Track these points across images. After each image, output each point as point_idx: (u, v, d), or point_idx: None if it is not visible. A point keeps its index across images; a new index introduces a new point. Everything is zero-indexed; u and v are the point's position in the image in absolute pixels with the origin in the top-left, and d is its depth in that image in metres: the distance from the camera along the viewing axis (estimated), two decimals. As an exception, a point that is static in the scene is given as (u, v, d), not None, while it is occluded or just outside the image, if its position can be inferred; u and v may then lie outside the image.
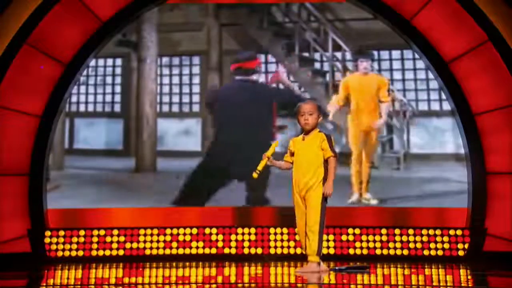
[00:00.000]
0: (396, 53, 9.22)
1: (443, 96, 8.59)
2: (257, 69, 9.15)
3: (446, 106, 8.61)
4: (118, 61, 9.28)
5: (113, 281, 6.04)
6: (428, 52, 8.19)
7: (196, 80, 9.53)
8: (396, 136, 9.11)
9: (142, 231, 8.01)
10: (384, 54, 9.20)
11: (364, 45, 9.13)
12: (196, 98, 9.53)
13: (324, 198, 6.15)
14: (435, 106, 9.11)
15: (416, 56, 8.69)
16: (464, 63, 8.03)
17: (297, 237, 6.66)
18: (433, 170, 8.73)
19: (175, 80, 9.51)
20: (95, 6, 8.12)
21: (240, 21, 9.33)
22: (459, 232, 7.90)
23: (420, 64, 8.87)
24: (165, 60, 9.44)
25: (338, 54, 9.24)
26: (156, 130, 9.26)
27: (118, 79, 9.36)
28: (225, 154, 8.84)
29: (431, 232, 7.93)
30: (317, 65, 9.42)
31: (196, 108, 9.52)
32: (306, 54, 9.33)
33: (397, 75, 9.22)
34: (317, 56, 9.42)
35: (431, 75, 8.59)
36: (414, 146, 9.11)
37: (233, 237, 7.98)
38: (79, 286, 5.75)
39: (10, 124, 7.87)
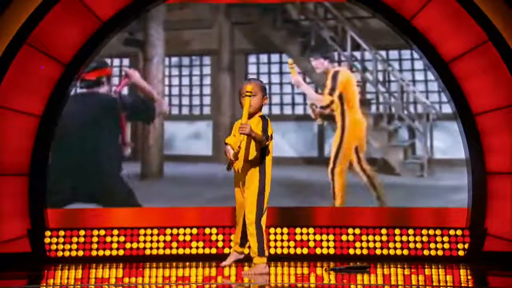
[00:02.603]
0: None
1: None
2: (101, 80, 8.47)
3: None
4: (126, 61, 8.97)
5: (113, 281, 6.04)
6: (428, 52, 8.18)
7: (207, 81, 9.18)
8: (419, 141, 8.81)
9: (142, 231, 8.01)
10: (405, 53, 8.86)
11: (382, 45, 8.85)
12: (207, 100, 9.18)
13: (261, 193, 5.67)
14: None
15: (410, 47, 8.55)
16: (464, 63, 8.03)
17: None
18: (458, 177, 8.30)
19: (185, 81, 9.17)
20: (95, 6, 8.12)
21: (253, 18, 9.05)
22: (459, 232, 7.90)
23: None
24: (174, 60, 9.10)
25: (357, 54, 8.94)
26: (163, 134, 8.94)
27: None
28: (65, 181, 8.26)
29: (431, 232, 7.93)
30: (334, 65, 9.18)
31: (207, 110, 9.18)
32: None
33: (419, 76, 8.90)
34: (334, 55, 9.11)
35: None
36: (437, 151, 8.80)
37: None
38: (79, 286, 5.75)
39: (10, 124, 7.87)
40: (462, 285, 5.72)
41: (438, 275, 6.44)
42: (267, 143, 5.67)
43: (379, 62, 8.91)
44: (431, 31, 8.15)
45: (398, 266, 7.17)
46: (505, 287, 5.88)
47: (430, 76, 8.58)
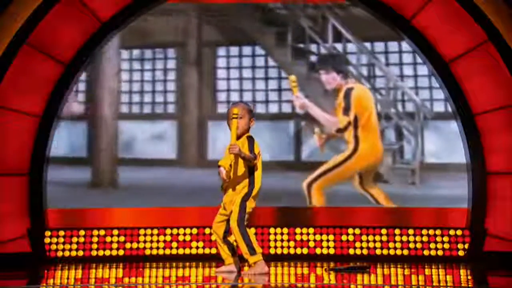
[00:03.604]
0: (406, 45, 8.33)
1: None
2: None
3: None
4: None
5: (113, 281, 6.04)
6: (428, 52, 8.17)
7: (172, 76, 8.44)
8: (408, 143, 8.20)
9: (142, 231, 8.01)
10: (393, 45, 8.26)
11: (367, 35, 8.09)
12: (171, 98, 8.42)
13: (244, 201, 5.86)
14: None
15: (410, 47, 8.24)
16: (464, 63, 8.02)
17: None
18: (455, 185, 7.90)
19: (147, 76, 8.41)
20: (95, 6, 8.11)
21: (222, 6, 8.30)
22: (459, 232, 7.90)
23: None
24: (135, 53, 8.44)
25: (339, 46, 8.27)
26: (118, 135, 8.19)
27: (84, 75, 8.32)
28: None
29: (431, 232, 7.93)
30: (313, 58, 8.49)
31: (171, 109, 8.43)
32: (301, 45, 8.34)
33: (408, 71, 8.26)
34: (314, 48, 8.41)
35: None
36: (428, 155, 8.09)
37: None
38: (79, 286, 5.75)
39: (10, 124, 7.86)
40: (462, 285, 5.72)
41: (438, 275, 6.44)
42: (255, 162, 5.89)
43: (363, 54, 8.29)
44: (431, 31, 8.15)
45: (398, 266, 7.17)
46: (505, 287, 5.88)
47: (420, 71, 8.10)
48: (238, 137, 5.93)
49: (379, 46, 8.31)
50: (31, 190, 7.96)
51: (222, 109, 8.47)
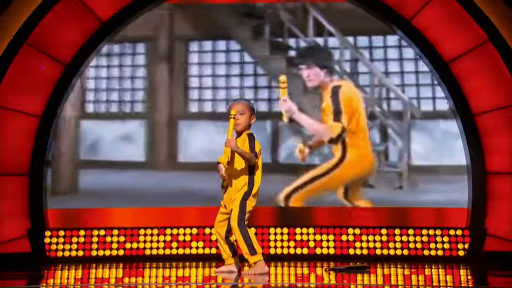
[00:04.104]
0: (392, 39, 8.00)
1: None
2: None
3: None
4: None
5: (113, 281, 6.03)
6: (428, 52, 8.17)
7: (141, 73, 8.06)
8: (393, 145, 7.84)
9: (142, 231, 8.01)
10: (378, 40, 7.86)
11: (350, 29, 7.61)
12: (140, 96, 7.97)
13: (244, 200, 5.82)
14: (442, 106, 7.96)
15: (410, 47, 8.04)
16: (464, 63, 8.02)
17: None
18: (447, 189, 7.67)
19: (114, 72, 8.02)
20: (95, 6, 8.11)
21: None
22: (459, 232, 7.90)
23: None
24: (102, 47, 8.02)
25: (321, 40, 7.86)
26: (78, 138, 7.78)
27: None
28: None
29: (431, 232, 7.93)
30: (292, 53, 8.04)
31: (140, 108, 7.99)
32: (279, 40, 7.92)
33: (394, 67, 7.84)
34: (292, 42, 7.93)
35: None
36: (417, 157, 7.65)
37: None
38: (79, 286, 5.74)
39: (10, 124, 7.86)
40: (462, 285, 5.72)
41: (438, 275, 6.43)
42: (256, 160, 5.87)
43: (346, 49, 7.92)
44: (431, 31, 8.14)
45: (398, 266, 7.17)
46: (505, 287, 5.88)
47: (407, 67, 7.72)
48: (239, 134, 5.93)
49: (362, 40, 7.88)
50: (31, 190, 7.96)
51: (194, 108, 8.14)
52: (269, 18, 7.76)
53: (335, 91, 7.58)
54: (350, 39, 7.87)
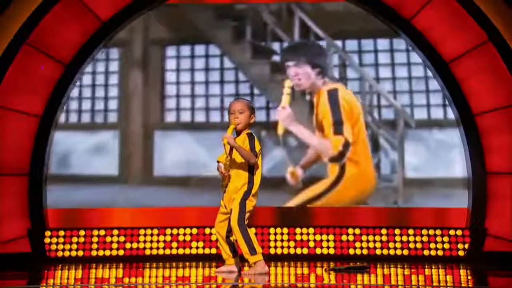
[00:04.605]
0: (383, 43, 7.58)
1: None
2: None
3: (451, 114, 7.44)
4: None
5: (113, 281, 6.03)
6: (428, 52, 8.17)
7: (114, 80, 7.63)
8: (385, 156, 7.41)
9: (142, 231, 8.01)
10: (368, 44, 7.41)
11: (338, 32, 7.04)
12: (113, 104, 7.44)
13: (244, 200, 5.79)
14: (438, 114, 7.60)
15: (411, 47, 7.80)
16: (464, 63, 8.02)
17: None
18: (444, 202, 7.39)
19: (86, 80, 7.67)
20: (95, 6, 8.11)
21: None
22: (459, 232, 7.90)
23: (416, 57, 7.59)
24: None
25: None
26: (50, 149, 7.29)
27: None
28: None
29: (431, 232, 7.93)
30: (276, 58, 7.46)
31: (113, 117, 7.48)
32: (262, 43, 7.40)
33: (385, 73, 7.41)
34: (276, 46, 7.37)
35: (430, 73, 7.80)
36: (410, 169, 7.16)
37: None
38: (79, 286, 5.74)
39: (10, 124, 7.86)
40: (462, 285, 5.72)
41: (438, 275, 6.43)
42: (255, 159, 5.83)
43: (335, 53, 7.44)
44: (431, 31, 8.14)
45: (398, 266, 7.17)
46: (505, 287, 5.87)
47: (399, 72, 7.31)
48: (238, 133, 5.91)
49: (351, 44, 7.35)
50: (31, 190, 7.96)
51: (171, 117, 7.62)
52: (251, 20, 7.28)
53: (332, 96, 6.76)
54: (338, 42, 7.47)
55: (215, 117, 7.43)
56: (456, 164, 7.59)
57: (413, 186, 7.37)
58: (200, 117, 7.45)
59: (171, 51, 7.61)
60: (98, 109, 7.50)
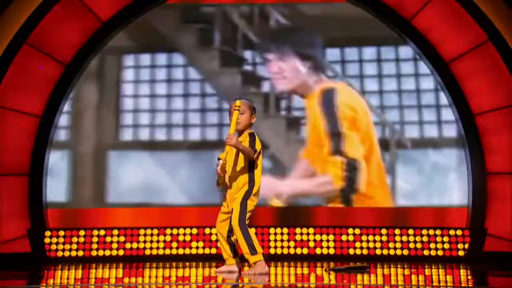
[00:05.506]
0: (369, 52, 6.77)
1: (444, 116, 6.96)
2: None
3: (448, 131, 6.86)
4: None
5: (113, 281, 6.03)
6: (428, 52, 8.17)
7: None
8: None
9: (142, 231, 8.01)
10: (352, 52, 6.55)
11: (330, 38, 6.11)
12: (63, 120, 6.83)
13: (245, 200, 5.78)
14: (432, 132, 6.94)
15: (401, 56, 7.28)
16: (464, 63, 8.03)
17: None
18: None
19: None
20: (95, 6, 8.12)
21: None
22: (459, 232, 7.90)
23: (408, 67, 6.77)
24: None
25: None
26: None
27: None
28: None
29: (431, 232, 7.93)
30: (248, 67, 6.63)
31: (62, 135, 6.83)
32: (231, 50, 6.53)
33: (372, 85, 6.60)
34: (248, 54, 6.59)
35: (424, 85, 7.29)
36: (401, 195, 6.48)
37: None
38: (79, 286, 5.74)
39: (10, 124, 7.87)
40: (462, 285, 5.72)
41: (438, 275, 6.43)
42: (255, 156, 5.81)
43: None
44: (431, 31, 8.15)
45: (398, 266, 7.17)
46: (505, 287, 5.87)
47: (387, 85, 6.50)
48: (240, 134, 5.90)
49: (333, 53, 6.50)
50: (31, 190, 7.96)
51: (127, 135, 6.87)
52: (220, 24, 6.54)
53: (328, 98, 5.65)
54: (337, 50, 6.80)
55: (177, 135, 6.61)
56: (452, 190, 7.07)
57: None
58: (160, 135, 6.71)
59: (129, 60, 6.93)
60: None
